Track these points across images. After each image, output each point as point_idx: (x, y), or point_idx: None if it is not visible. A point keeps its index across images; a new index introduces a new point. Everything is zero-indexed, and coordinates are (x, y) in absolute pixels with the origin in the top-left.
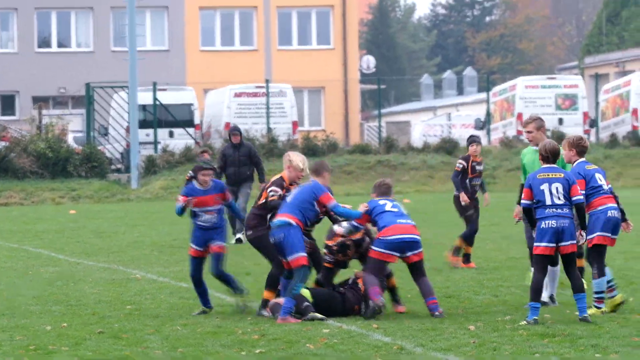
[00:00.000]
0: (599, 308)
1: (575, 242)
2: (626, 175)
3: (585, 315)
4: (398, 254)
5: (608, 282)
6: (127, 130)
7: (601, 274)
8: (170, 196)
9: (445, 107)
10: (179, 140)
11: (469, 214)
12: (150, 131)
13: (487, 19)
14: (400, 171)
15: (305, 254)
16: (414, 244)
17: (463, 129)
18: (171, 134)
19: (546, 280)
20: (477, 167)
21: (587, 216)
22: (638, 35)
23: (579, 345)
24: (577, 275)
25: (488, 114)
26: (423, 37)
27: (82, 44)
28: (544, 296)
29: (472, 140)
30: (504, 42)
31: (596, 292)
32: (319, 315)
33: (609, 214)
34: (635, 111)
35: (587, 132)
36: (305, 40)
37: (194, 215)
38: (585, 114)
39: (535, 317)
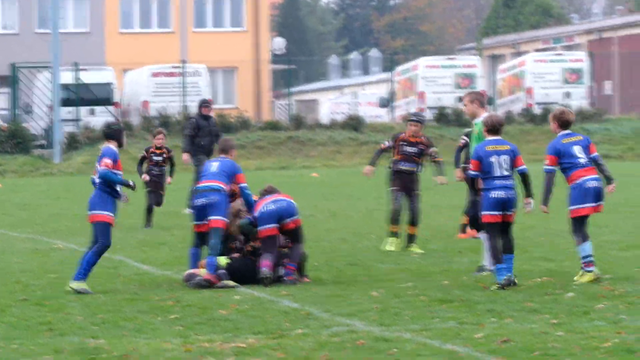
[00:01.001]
0: (589, 271)
1: (515, 210)
2: (521, 151)
3: (504, 279)
4: (276, 224)
5: (585, 256)
6: (50, 108)
7: (585, 239)
8: (91, 171)
9: (351, 86)
10: (99, 117)
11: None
12: (72, 109)
13: (391, 2)
14: (308, 147)
15: (225, 219)
16: (286, 212)
17: (368, 107)
18: (92, 112)
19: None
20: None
21: (568, 189)
22: (532, 18)
23: (476, 310)
24: (510, 238)
25: (392, 93)
26: (331, 20)
27: (7, 26)
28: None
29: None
30: (407, 24)
31: (583, 257)
32: (232, 283)
33: (587, 184)
34: (529, 90)
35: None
36: (219, 22)
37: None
38: (483, 92)
39: (505, 277)
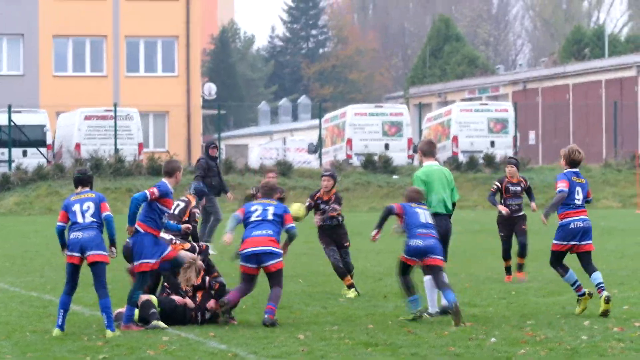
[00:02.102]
0: (582, 295)
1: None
2: None
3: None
4: (255, 265)
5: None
6: None
7: (564, 271)
8: (23, 212)
9: (280, 132)
10: (32, 159)
11: (501, 235)
12: (5, 150)
13: (321, 50)
14: (238, 191)
15: (149, 261)
16: (269, 255)
17: (297, 152)
18: (24, 153)
19: (431, 296)
20: (512, 188)
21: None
22: (458, 68)
23: (400, 354)
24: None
25: (320, 139)
26: (261, 67)
27: None
28: (433, 311)
29: (508, 162)
30: (335, 72)
31: (572, 285)
32: (162, 324)
33: (575, 224)
34: (455, 138)
35: (410, 157)
36: (151, 67)
37: None
38: (410, 140)
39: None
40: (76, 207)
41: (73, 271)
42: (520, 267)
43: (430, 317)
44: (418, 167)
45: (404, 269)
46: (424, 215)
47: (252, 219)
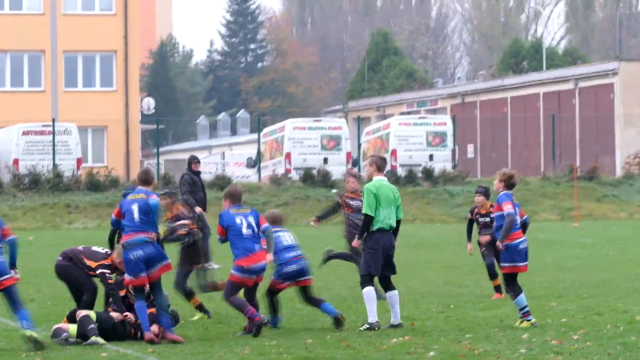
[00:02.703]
0: (529, 320)
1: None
2: None
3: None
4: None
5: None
6: None
7: (518, 292)
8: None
9: (219, 146)
10: None
11: (482, 251)
12: None
13: (259, 64)
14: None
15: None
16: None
17: (236, 167)
18: None
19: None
20: (481, 219)
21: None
22: (396, 82)
23: None
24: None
25: (259, 153)
26: (200, 81)
27: None
28: (394, 321)
29: (476, 191)
30: (274, 86)
31: (520, 309)
32: (101, 340)
33: (521, 246)
34: (393, 152)
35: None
36: (89, 82)
37: None
38: (349, 154)
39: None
40: None
41: None
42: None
43: (371, 328)
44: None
45: (275, 292)
46: (286, 237)
47: (244, 231)
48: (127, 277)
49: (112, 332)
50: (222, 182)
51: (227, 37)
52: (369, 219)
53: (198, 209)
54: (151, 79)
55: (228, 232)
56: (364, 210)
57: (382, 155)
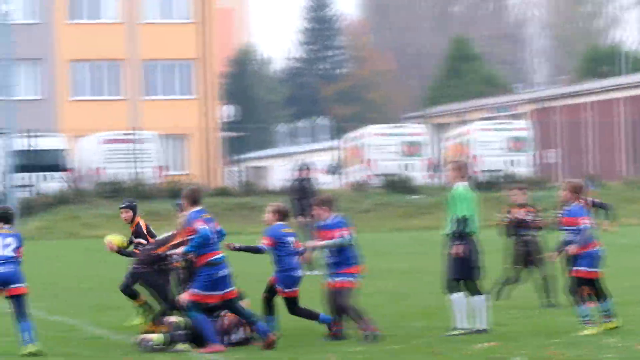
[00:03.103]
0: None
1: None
2: None
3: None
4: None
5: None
6: (4, 174)
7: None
8: (45, 236)
9: (299, 153)
10: (53, 183)
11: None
12: (26, 175)
13: (338, 71)
14: (258, 213)
15: None
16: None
17: (317, 174)
18: (45, 178)
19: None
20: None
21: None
22: (476, 87)
23: None
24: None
25: (340, 160)
26: (279, 89)
27: None
28: (480, 326)
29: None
30: (353, 93)
31: (584, 316)
32: (188, 347)
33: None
34: (474, 158)
35: (431, 176)
36: (169, 90)
37: None
38: (429, 160)
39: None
40: None
41: None
42: None
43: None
44: (440, 186)
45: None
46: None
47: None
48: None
49: (200, 338)
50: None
51: (305, 45)
52: (465, 220)
53: (300, 219)
54: (230, 87)
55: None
56: (461, 212)
57: (464, 160)
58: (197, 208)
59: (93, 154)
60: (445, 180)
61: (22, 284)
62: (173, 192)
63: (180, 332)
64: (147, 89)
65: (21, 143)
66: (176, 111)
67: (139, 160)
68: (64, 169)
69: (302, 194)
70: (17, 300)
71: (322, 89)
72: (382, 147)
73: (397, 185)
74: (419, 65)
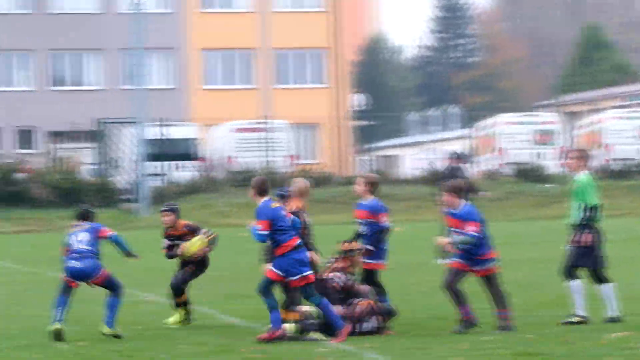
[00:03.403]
0: None
1: None
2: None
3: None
4: None
5: None
6: (136, 162)
7: None
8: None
9: (430, 142)
10: (185, 172)
11: None
12: (158, 164)
13: (470, 60)
14: (389, 201)
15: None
16: None
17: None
18: (177, 167)
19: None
20: None
21: None
22: (609, 75)
23: None
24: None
25: (471, 149)
26: (410, 77)
27: (93, 83)
28: (612, 314)
29: None
30: (485, 81)
31: None
32: (321, 336)
33: None
34: (607, 146)
35: (563, 165)
36: (300, 79)
37: None
38: (562, 148)
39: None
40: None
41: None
42: None
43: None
44: (571, 176)
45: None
46: None
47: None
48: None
49: (331, 327)
50: (434, 177)
51: (436, 33)
52: (595, 209)
53: None
54: (361, 76)
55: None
56: (591, 201)
57: (587, 149)
58: (266, 198)
59: (224, 142)
60: (567, 169)
61: (98, 274)
62: None
63: (312, 321)
64: (279, 77)
65: (153, 132)
66: (307, 100)
67: (270, 149)
68: (196, 158)
69: None
70: (103, 285)
71: (453, 78)
72: (514, 136)
73: (529, 174)
74: (551, 53)
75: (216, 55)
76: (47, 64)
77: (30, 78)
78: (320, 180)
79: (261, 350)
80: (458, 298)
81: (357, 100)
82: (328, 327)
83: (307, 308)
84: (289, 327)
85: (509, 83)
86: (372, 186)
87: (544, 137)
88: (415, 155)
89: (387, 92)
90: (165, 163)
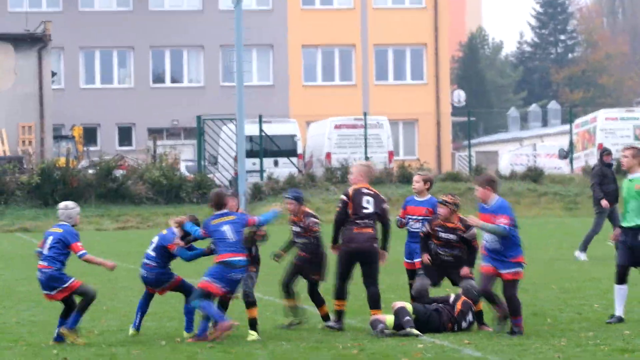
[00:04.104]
0: None
1: None
2: None
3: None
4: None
5: None
6: (235, 159)
7: None
8: (274, 221)
9: (530, 138)
10: (283, 168)
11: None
12: (257, 160)
13: (570, 55)
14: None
15: None
16: None
17: (547, 158)
18: (276, 163)
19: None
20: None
21: None
22: None
23: None
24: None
25: (571, 144)
26: (510, 73)
27: (193, 80)
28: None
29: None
30: (585, 77)
31: None
32: (416, 332)
33: None
34: (600, 146)
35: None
36: (400, 75)
37: None
38: None
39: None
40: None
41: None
42: None
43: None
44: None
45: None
46: None
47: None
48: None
49: (427, 323)
50: (534, 173)
51: (537, 29)
52: None
53: (604, 203)
54: (461, 72)
55: None
56: None
57: None
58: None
59: (323, 139)
60: (622, 166)
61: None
62: (404, 177)
63: (407, 317)
64: (378, 74)
65: (252, 129)
66: (407, 96)
67: (369, 146)
68: (295, 155)
69: (602, 179)
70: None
71: (553, 73)
72: (614, 132)
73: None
74: None
75: (316, 52)
76: (147, 61)
77: (130, 75)
78: None
79: (359, 346)
80: (494, 298)
81: (457, 96)
82: (421, 324)
83: (402, 304)
84: (389, 319)
85: (610, 79)
86: (431, 184)
87: None
88: (515, 151)
89: (487, 88)
90: (264, 159)
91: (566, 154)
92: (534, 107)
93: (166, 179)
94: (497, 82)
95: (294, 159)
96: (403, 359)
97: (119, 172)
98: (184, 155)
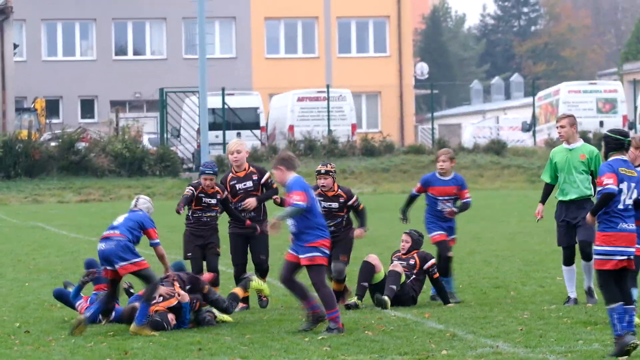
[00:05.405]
0: None
1: None
2: None
3: None
4: None
5: None
6: (198, 132)
7: None
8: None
9: (493, 110)
10: (246, 141)
11: None
12: (219, 133)
13: (533, 28)
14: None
15: None
16: None
17: (510, 131)
18: (238, 135)
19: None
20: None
21: None
22: None
23: None
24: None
25: (534, 117)
26: (473, 46)
27: (155, 52)
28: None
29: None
30: (548, 50)
31: None
32: (386, 299)
33: None
34: None
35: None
36: (363, 48)
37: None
38: (625, 117)
39: None
40: None
41: None
42: None
43: None
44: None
45: None
46: None
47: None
48: None
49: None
50: (496, 146)
51: (499, 1)
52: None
53: None
54: (424, 44)
55: None
56: None
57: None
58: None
59: (286, 111)
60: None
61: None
62: (366, 150)
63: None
64: (341, 46)
65: (215, 101)
66: (370, 69)
67: (332, 118)
68: (258, 127)
69: None
70: None
71: (516, 46)
72: (577, 104)
73: (592, 143)
74: (614, 21)
75: (278, 24)
76: (109, 33)
77: (92, 47)
78: (382, 150)
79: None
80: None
81: (420, 68)
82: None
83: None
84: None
85: (572, 52)
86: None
87: (607, 106)
88: (478, 124)
89: (450, 61)
90: (227, 132)
91: (529, 127)
92: (496, 80)
93: (129, 152)
94: (460, 54)
95: (257, 132)
96: (366, 332)
97: (81, 145)
98: (147, 128)
